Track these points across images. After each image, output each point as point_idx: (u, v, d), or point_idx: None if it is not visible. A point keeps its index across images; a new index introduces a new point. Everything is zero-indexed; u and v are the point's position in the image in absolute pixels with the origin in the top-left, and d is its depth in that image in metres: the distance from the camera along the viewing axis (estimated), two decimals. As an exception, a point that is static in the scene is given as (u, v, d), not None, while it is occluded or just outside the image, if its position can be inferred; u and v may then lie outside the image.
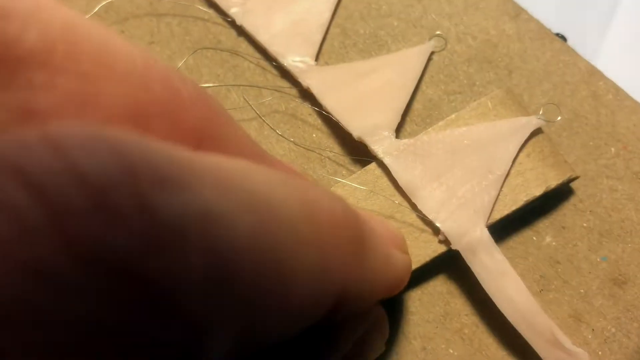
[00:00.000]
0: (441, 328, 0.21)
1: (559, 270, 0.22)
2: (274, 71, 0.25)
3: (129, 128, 0.12)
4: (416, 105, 0.24)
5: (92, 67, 0.11)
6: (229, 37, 0.26)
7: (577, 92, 0.24)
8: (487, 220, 0.21)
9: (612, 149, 0.24)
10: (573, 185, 0.23)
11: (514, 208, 0.21)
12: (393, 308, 0.22)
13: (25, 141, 0.08)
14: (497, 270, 0.21)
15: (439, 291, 0.22)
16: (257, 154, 0.15)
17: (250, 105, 0.24)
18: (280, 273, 0.11)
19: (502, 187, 0.22)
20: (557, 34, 0.26)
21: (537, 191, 0.22)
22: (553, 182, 0.22)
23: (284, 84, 0.25)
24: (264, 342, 0.11)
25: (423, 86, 0.25)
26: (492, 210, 0.21)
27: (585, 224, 0.23)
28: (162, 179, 0.09)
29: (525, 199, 0.21)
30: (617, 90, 0.24)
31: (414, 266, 0.21)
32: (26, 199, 0.08)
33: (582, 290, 0.22)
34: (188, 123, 0.13)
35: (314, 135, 0.24)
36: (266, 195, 0.11)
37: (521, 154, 0.22)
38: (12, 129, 0.11)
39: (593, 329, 0.21)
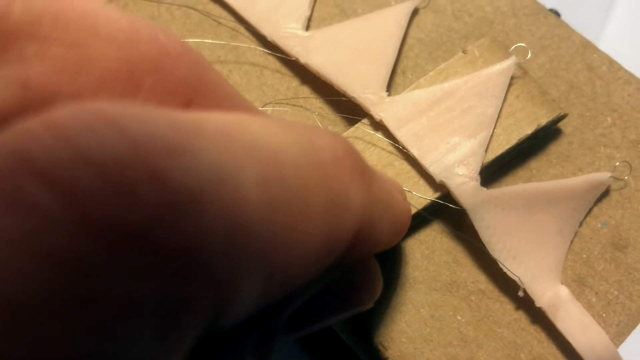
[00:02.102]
0: (448, 296, 0.22)
1: (561, 236, 0.22)
2: (275, 53, 0.25)
3: (123, 90, 0.12)
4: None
5: (79, 33, 0.12)
6: (228, 19, 0.26)
7: (572, 65, 0.25)
8: (483, 161, 0.22)
9: (609, 119, 0.24)
10: (572, 154, 0.24)
11: (507, 147, 0.22)
12: (400, 279, 0.22)
13: (33, 132, 0.09)
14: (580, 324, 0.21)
15: (445, 260, 0.22)
16: (248, 109, 0.15)
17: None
18: (294, 218, 0.11)
19: (494, 128, 0.22)
20: (551, 10, 0.26)
21: (529, 129, 0.22)
22: (543, 119, 0.22)
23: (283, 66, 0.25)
24: (289, 285, 0.12)
25: (422, 62, 0.25)
26: (486, 149, 0.22)
27: (585, 192, 0.23)
28: (169, 147, 0.09)
29: (517, 137, 0.22)
30: (611, 62, 0.25)
31: (416, 209, 0.21)
32: (42, 191, 0.08)
33: (584, 256, 0.22)
34: (177, 79, 0.13)
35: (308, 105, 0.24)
36: (269, 145, 0.11)
37: (510, 96, 0.23)
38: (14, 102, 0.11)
39: (596, 293, 0.22)
